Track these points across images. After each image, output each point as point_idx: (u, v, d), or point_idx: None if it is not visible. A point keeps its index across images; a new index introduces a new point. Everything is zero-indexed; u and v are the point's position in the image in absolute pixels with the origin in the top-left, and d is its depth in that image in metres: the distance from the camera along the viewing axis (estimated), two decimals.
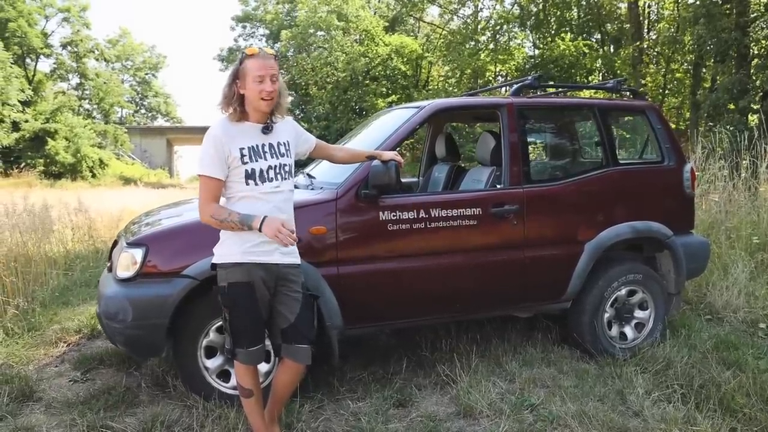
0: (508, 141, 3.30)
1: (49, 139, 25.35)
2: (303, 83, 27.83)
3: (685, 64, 17.43)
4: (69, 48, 33.68)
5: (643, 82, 16.54)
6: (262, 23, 32.52)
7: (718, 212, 5.94)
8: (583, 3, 21.08)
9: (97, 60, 35.89)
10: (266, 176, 2.23)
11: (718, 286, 4.58)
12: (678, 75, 17.96)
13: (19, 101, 26.21)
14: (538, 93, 4.56)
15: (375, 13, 29.34)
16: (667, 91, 18.37)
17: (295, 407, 2.77)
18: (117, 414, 2.71)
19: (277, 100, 2.23)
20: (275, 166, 2.26)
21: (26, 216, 5.11)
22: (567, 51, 20.10)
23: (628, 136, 8.27)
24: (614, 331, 3.56)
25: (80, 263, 5.72)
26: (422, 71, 27.60)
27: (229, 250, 2.24)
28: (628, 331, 3.60)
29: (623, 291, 3.53)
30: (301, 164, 3.98)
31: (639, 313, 3.62)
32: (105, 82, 36.14)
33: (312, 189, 3.14)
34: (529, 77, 3.51)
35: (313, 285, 2.80)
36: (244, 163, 2.20)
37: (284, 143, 2.33)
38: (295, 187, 3.29)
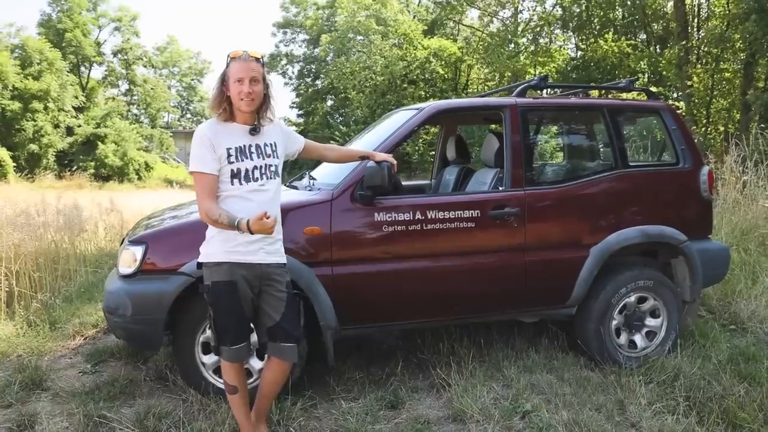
0: (511, 142, 3.25)
1: (99, 143, 26.57)
2: (342, 87, 28.13)
3: (736, 63, 16.64)
4: (119, 56, 35.24)
5: (689, 83, 15.92)
6: (302, 29, 33.09)
7: (752, 218, 5.66)
8: (628, 2, 20.48)
9: (145, 67, 37.41)
10: (251, 176, 2.29)
11: (745, 295, 4.37)
12: (727, 75, 17.18)
13: (73, 107, 27.58)
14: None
15: (414, 17, 29.39)
16: (715, 92, 17.60)
17: (287, 405, 2.80)
18: (115, 405, 2.82)
19: (258, 101, 2.27)
20: (261, 166, 2.32)
21: (56, 215, 5.37)
22: (610, 52, 19.59)
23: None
24: (623, 339, 3.44)
25: (110, 261, 5.96)
26: (461, 74, 27.44)
27: (212, 249, 2.30)
28: (638, 339, 3.48)
29: (632, 298, 3.41)
30: (310, 166, 4.05)
31: (650, 321, 3.49)
32: (152, 88, 37.60)
33: (310, 190, 3.18)
34: (535, 78, 3.45)
35: (307, 285, 2.84)
36: (230, 163, 2.26)
37: (271, 144, 2.38)
38: (295, 188, 3.41)
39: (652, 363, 3.28)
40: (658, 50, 20.13)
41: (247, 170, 2.27)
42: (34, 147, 25.30)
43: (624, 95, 4.29)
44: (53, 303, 4.20)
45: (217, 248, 2.28)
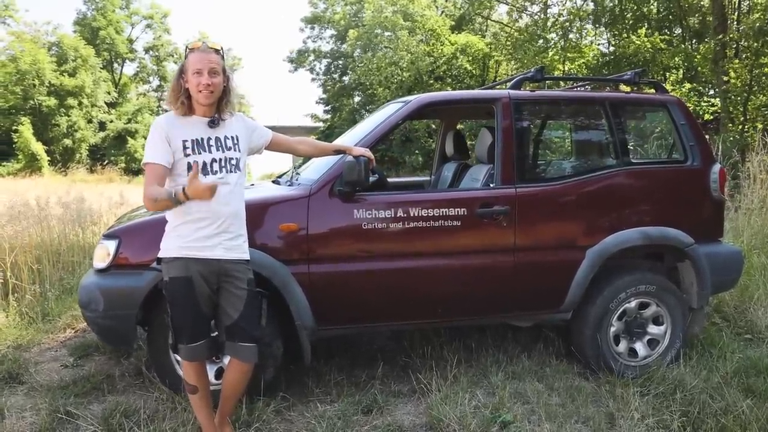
0: (502, 137, 3.08)
1: (129, 138, 27.23)
2: (368, 83, 28.05)
3: None
4: (151, 52, 35.91)
5: (725, 78, 15.26)
6: (330, 24, 33.09)
7: None
8: None
9: (176, 63, 37.97)
10: (209, 169, 2.21)
11: (764, 303, 4.08)
12: (767, 70, 16.38)
13: (105, 103, 28.31)
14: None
15: (442, 13, 29.08)
16: (754, 88, 16.82)
17: (259, 405, 2.72)
18: (85, 401, 2.78)
19: (218, 93, 2.20)
20: (220, 159, 2.23)
21: (61, 208, 5.43)
22: (642, 47, 18.96)
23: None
24: (622, 346, 3.24)
25: None
26: (489, 71, 27.02)
27: (169, 244, 2.23)
28: (640, 347, 3.27)
29: (633, 303, 3.20)
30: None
31: (653, 329, 3.28)
32: None
33: (290, 185, 3.08)
34: (531, 70, 3.26)
35: (282, 283, 2.75)
36: (186, 155, 2.18)
37: (232, 137, 2.29)
38: (278, 183, 3.32)
39: (651, 373, 3.08)
40: (694, 45, 19.37)
41: (204, 163, 2.19)
42: (68, 141, 26.07)
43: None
44: (47, 295, 4.22)
45: (173, 243, 2.20)
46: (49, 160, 24.24)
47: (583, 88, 4.29)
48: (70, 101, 26.59)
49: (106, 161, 25.71)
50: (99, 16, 31.98)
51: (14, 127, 24.40)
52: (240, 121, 2.38)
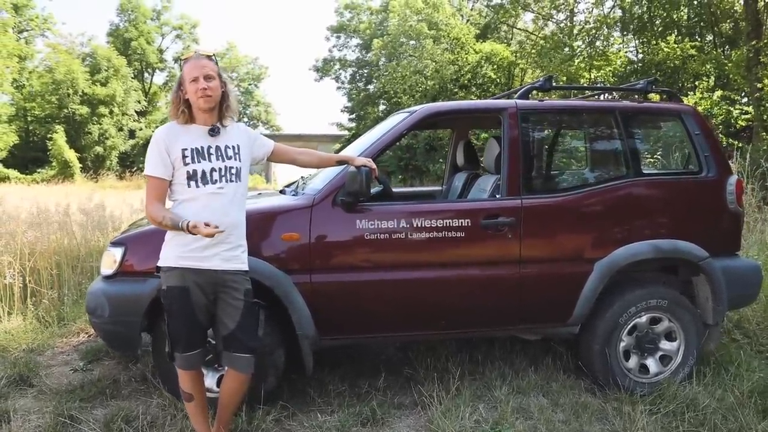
0: (508, 147, 3.04)
1: None
2: (393, 92, 28.13)
3: None
4: (180, 62, 36.67)
5: (759, 85, 14.84)
6: (356, 33, 33.37)
7: None
8: (695, 2, 19.36)
9: None
10: (209, 178, 2.23)
11: None
12: None
13: (135, 111, 29.05)
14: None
15: (467, 21, 29.03)
16: None
17: (259, 414, 2.72)
18: (90, 405, 2.83)
19: (217, 98, 2.23)
20: (220, 168, 2.25)
21: (82, 215, 5.56)
22: (671, 54, 18.59)
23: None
24: (632, 362, 3.15)
25: None
26: (514, 79, 26.82)
27: (168, 253, 2.25)
28: (651, 363, 3.17)
29: (644, 318, 3.11)
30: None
31: (665, 345, 3.18)
32: None
33: (295, 195, 3.10)
34: (540, 80, 3.22)
35: (284, 293, 2.76)
36: (186, 164, 2.21)
37: (233, 146, 2.31)
38: (285, 192, 3.34)
39: (663, 391, 2.98)
40: (726, 52, 18.88)
41: (204, 172, 2.21)
42: (99, 149, 26.81)
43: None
44: (64, 300, 4.32)
45: (172, 252, 2.23)
46: (81, 167, 24.96)
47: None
48: (102, 110, 27.41)
49: (135, 168, 26.34)
50: (131, 27, 32.94)
51: (49, 135, 25.23)
52: (241, 130, 2.41)
